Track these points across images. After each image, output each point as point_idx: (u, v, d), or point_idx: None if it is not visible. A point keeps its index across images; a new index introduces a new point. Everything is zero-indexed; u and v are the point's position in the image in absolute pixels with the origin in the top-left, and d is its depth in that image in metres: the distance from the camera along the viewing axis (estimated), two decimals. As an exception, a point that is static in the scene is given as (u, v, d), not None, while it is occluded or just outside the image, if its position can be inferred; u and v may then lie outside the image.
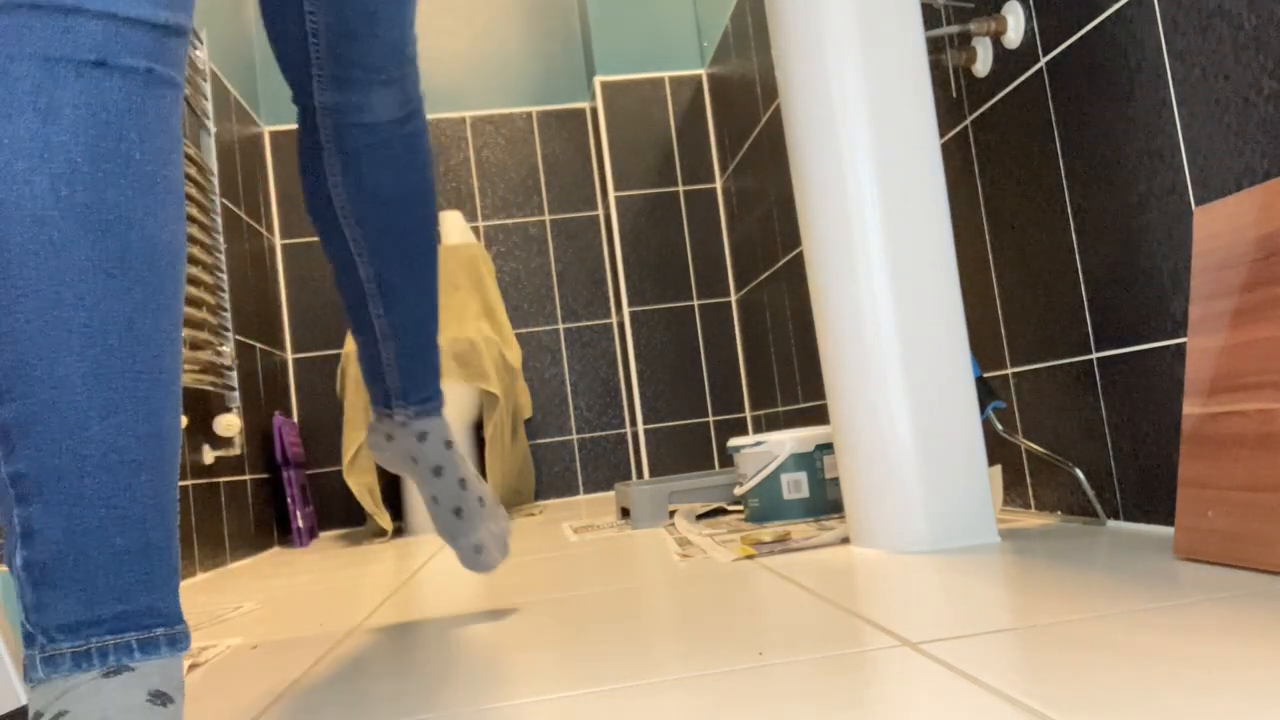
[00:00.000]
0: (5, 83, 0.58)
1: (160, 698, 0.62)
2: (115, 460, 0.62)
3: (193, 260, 2.33)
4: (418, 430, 1.22)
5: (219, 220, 2.57)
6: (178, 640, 0.65)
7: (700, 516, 2.15)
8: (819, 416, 2.61)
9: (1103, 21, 1.27)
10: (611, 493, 3.51)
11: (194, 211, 2.36)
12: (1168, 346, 1.22)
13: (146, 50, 0.62)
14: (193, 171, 2.39)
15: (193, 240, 2.34)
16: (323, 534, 3.26)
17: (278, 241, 3.39)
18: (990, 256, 1.63)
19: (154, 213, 0.64)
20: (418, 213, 1.18)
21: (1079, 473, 1.42)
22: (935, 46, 1.65)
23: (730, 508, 2.22)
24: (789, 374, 2.88)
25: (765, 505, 1.90)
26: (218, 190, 2.61)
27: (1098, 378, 1.37)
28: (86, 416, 0.61)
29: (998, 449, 1.65)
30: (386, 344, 1.20)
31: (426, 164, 1.18)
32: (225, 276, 2.56)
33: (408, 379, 1.21)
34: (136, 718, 0.60)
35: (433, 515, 1.22)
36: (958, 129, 1.68)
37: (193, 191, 2.37)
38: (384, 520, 2.79)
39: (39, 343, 0.59)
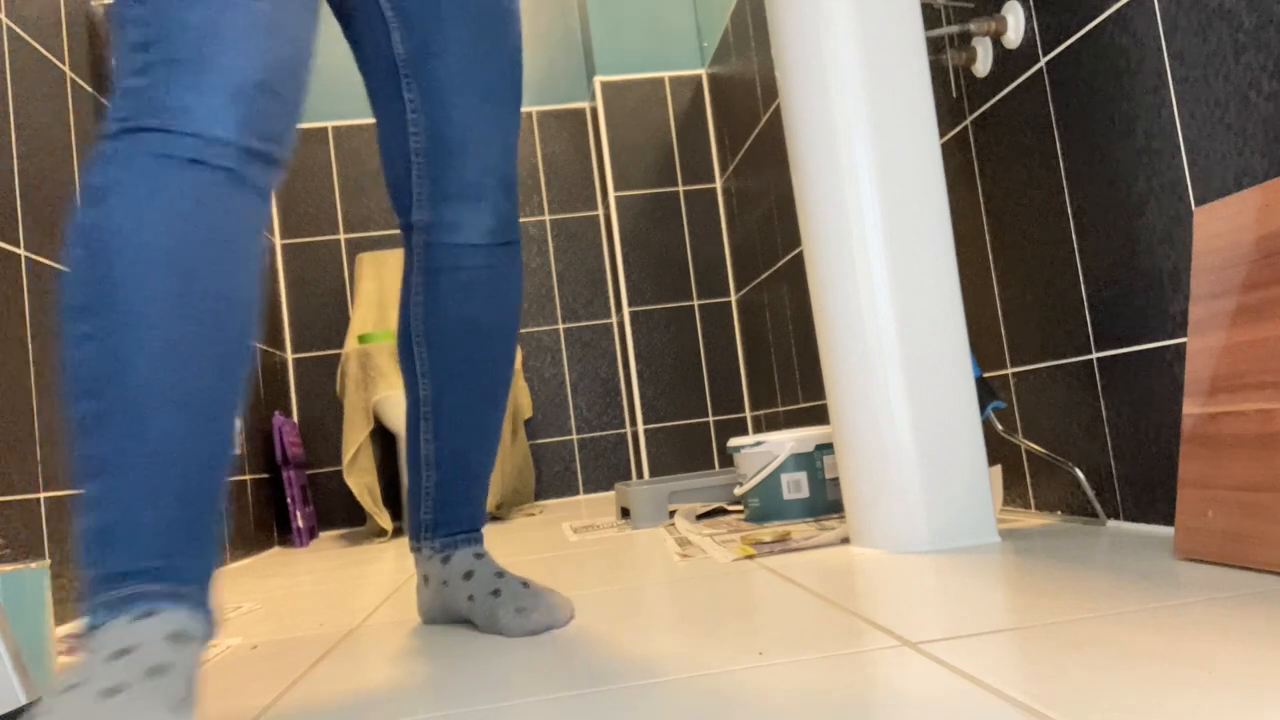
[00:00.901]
0: (128, 168, 0.79)
1: (179, 638, 0.73)
2: (169, 450, 0.76)
3: (193, 260, 2.33)
4: (443, 555, 1.18)
5: (219, 220, 2.57)
6: (204, 602, 0.78)
7: (700, 516, 2.15)
8: (819, 416, 2.61)
9: (1103, 21, 1.27)
10: (611, 493, 3.51)
11: (194, 211, 2.36)
12: (1168, 346, 1.22)
13: (231, 158, 0.82)
14: (193, 171, 2.39)
15: (193, 240, 2.33)
16: (323, 534, 3.26)
17: (278, 241, 3.40)
18: (990, 256, 1.63)
19: (230, 271, 0.81)
20: (489, 346, 1.17)
21: (1079, 473, 1.42)
22: (935, 46, 1.65)
23: (730, 508, 2.22)
24: (789, 374, 2.88)
25: (765, 505, 1.90)
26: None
27: (1098, 378, 1.37)
28: (152, 416, 0.76)
29: (998, 449, 1.65)
30: (429, 472, 1.18)
31: (509, 301, 1.17)
32: (225, 276, 2.56)
33: (440, 511, 1.18)
34: (154, 649, 0.71)
35: (473, 616, 1.12)
36: (958, 129, 1.68)
37: (193, 191, 2.37)
38: (384, 520, 2.79)
39: (125, 357, 0.76)
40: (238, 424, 0.84)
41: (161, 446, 0.76)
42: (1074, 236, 1.39)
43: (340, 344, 3.43)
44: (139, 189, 0.79)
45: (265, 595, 1.73)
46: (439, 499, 1.18)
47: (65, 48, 1.88)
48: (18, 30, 1.68)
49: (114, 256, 0.77)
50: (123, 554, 0.74)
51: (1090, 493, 1.40)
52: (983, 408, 1.44)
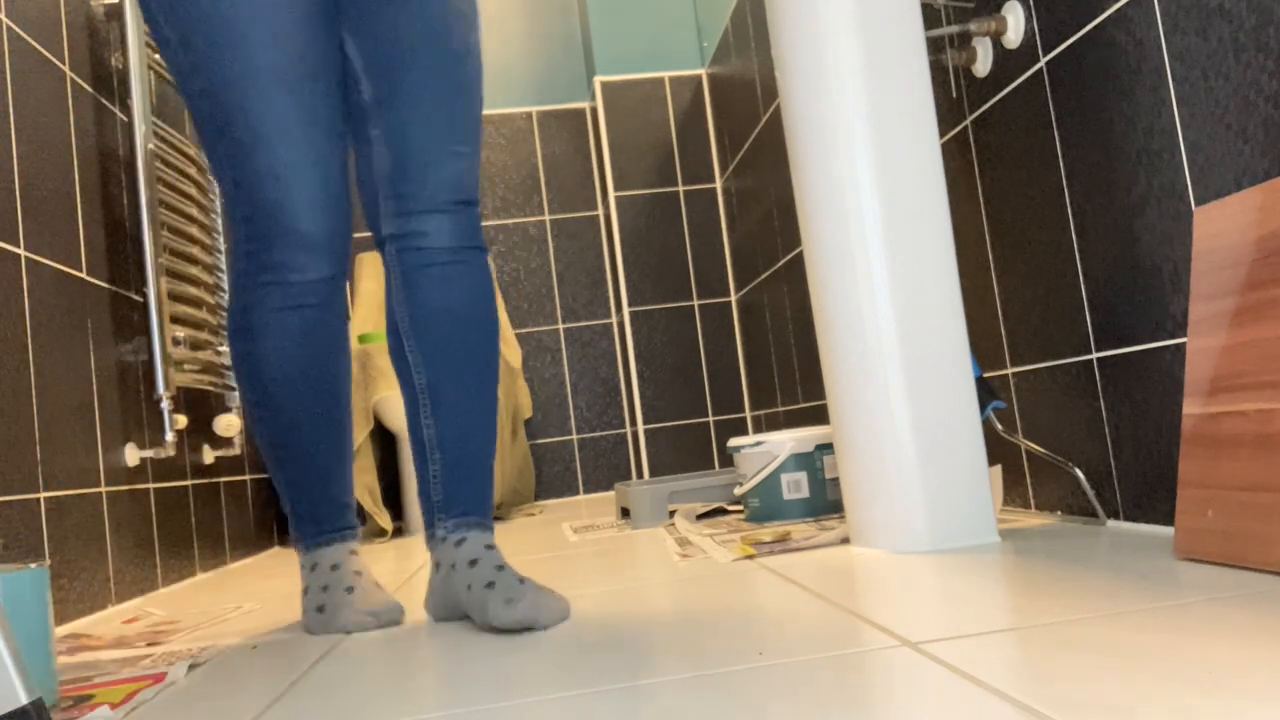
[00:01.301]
0: (261, 318, 1.27)
1: (354, 552, 1.32)
2: (321, 469, 1.32)
3: (192, 260, 2.33)
4: (456, 538, 1.23)
5: (219, 220, 2.57)
6: (350, 535, 1.34)
7: (700, 516, 2.15)
8: (819, 416, 2.61)
9: (1103, 21, 1.27)
10: (611, 493, 3.51)
11: (194, 211, 2.36)
12: (1168, 346, 1.22)
13: (320, 292, 1.30)
14: (192, 172, 2.39)
15: (192, 240, 2.34)
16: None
17: (278, 241, 3.40)
18: (990, 256, 1.63)
19: (331, 367, 1.34)
20: (469, 332, 1.28)
21: (1079, 473, 1.42)
22: (935, 46, 1.65)
23: (730, 508, 2.22)
24: (789, 374, 2.88)
25: (765, 505, 1.90)
26: (218, 190, 2.61)
27: (1098, 378, 1.37)
28: (310, 454, 1.31)
29: (998, 449, 1.65)
30: (434, 455, 1.27)
31: (482, 293, 1.30)
32: (225, 276, 2.56)
33: (450, 489, 1.25)
34: (344, 555, 1.31)
35: (469, 607, 1.15)
36: (958, 129, 1.68)
37: (192, 191, 2.37)
38: (384, 520, 2.79)
39: (285, 428, 1.30)
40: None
41: (318, 469, 1.32)
42: (1074, 236, 1.39)
43: (340, 344, 3.43)
44: (270, 330, 1.27)
45: (265, 595, 1.73)
46: (447, 479, 1.26)
47: (65, 48, 1.88)
48: (18, 30, 1.68)
49: (264, 375, 1.28)
50: (312, 522, 1.31)
51: (1090, 493, 1.40)
52: (983, 408, 1.44)
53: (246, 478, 2.67)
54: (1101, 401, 1.37)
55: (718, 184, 3.51)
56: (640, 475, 3.40)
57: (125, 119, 2.13)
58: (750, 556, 1.45)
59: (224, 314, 2.53)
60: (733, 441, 1.99)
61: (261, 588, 1.87)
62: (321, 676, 0.99)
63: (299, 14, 1.24)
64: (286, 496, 1.32)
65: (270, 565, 2.35)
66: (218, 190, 1.32)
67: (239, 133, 1.22)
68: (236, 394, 2.55)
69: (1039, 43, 1.42)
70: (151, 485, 2.02)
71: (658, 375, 3.40)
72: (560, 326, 3.57)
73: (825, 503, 1.89)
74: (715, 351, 3.45)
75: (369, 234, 3.41)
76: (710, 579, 1.30)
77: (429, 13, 1.30)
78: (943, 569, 1.15)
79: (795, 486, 1.89)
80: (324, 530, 1.31)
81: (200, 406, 2.35)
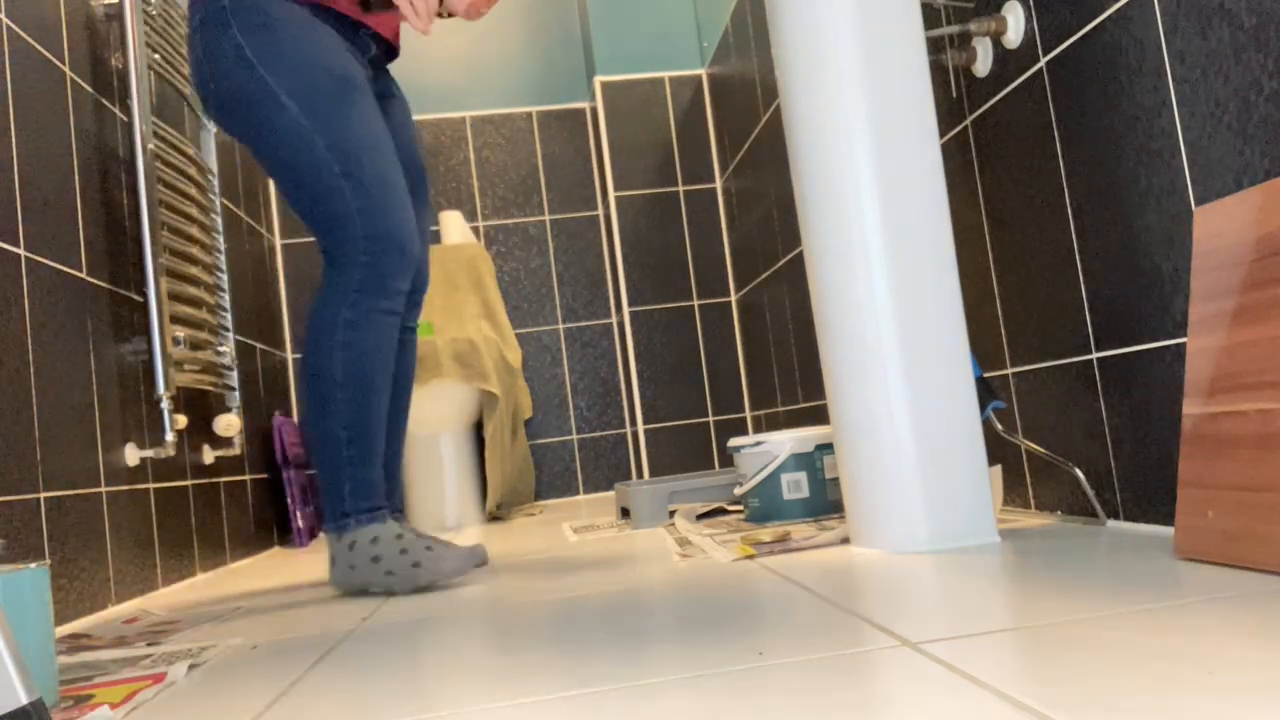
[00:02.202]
0: (366, 317, 1.57)
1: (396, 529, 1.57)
2: (379, 444, 1.58)
3: (192, 260, 2.33)
4: (395, 514, 1.66)
5: (219, 220, 2.57)
6: (391, 511, 1.61)
7: (700, 516, 2.15)
8: (819, 416, 2.61)
9: (1103, 21, 1.27)
10: (611, 493, 3.51)
11: (194, 211, 2.36)
12: (1168, 346, 1.22)
13: (402, 305, 1.61)
14: (192, 171, 2.39)
15: (192, 240, 2.34)
16: (322, 534, 3.26)
17: (278, 241, 3.40)
18: (990, 256, 1.63)
19: (394, 361, 1.62)
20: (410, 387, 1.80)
21: (1079, 473, 1.42)
22: (935, 46, 1.65)
23: (730, 508, 2.22)
24: (789, 374, 2.88)
25: (765, 505, 1.90)
26: (218, 190, 2.61)
27: (1098, 378, 1.37)
28: (376, 435, 1.58)
29: (998, 449, 1.65)
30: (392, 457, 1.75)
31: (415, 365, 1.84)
32: (225, 276, 2.56)
33: (393, 488, 1.74)
34: (385, 530, 1.55)
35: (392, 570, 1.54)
36: (958, 129, 1.68)
37: (192, 191, 2.37)
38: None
39: (365, 410, 1.57)
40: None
41: (377, 447, 1.58)
42: (1074, 236, 1.39)
43: (340, 344, 3.43)
44: (373, 327, 1.56)
45: (265, 595, 1.73)
46: (393, 481, 1.75)
47: (65, 48, 1.88)
48: (18, 30, 1.68)
49: (361, 365, 1.56)
50: (365, 499, 1.56)
51: (1090, 493, 1.40)
52: (983, 408, 1.44)
53: (246, 478, 2.67)
54: (1101, 401, 1.37)
55: (718, 184, 3.51)
56: (640, 475, 3.40)
57: (125, 119, 2.13)
58: (750, 556, 1.45)
59: (224, 314, 2.53)
60: (733, 441, 1.99)
61: (261, 588, 1.87)
62: (321, 676, 0.99)
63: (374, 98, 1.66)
64: (346, 476, 1.55)
65: (270, 565, 2.35)
66: (311, 217, 1.58)
67: (367, 176, 1.55)
68: (237, 394, 2.55)
69: (1039, 43, 1.42)
70: (151, 485, 2.02)
71: (658, 375, 3.40)
72: (560, 326, 3.57)
73: (825, 503, 1.89)
74: (715, 351, 3.45)
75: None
76: (710, 579, 1.30)
77: (414, 136, 1.80)
78: (943, 569, 1.15)
79: (795, 486, 1.89)
80: (377, 505, 1.57)
81: (200, 406, 2.35)
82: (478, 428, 3.17)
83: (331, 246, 1.57)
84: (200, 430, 2.34)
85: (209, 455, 2.35)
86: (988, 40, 1.55)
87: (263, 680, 1.00)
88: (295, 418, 3.34)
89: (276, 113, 1.54)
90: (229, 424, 2.39)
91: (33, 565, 1.00)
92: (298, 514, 2.83)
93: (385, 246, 1.55)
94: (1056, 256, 1.44)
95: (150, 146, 2.09)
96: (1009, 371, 1.60)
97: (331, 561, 1.58)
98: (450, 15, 1.73)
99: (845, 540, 1.48)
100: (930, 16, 1.69)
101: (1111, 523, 1.37)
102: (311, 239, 3.42)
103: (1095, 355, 1.37)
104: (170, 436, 2.05)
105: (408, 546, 1.52)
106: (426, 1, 1.55)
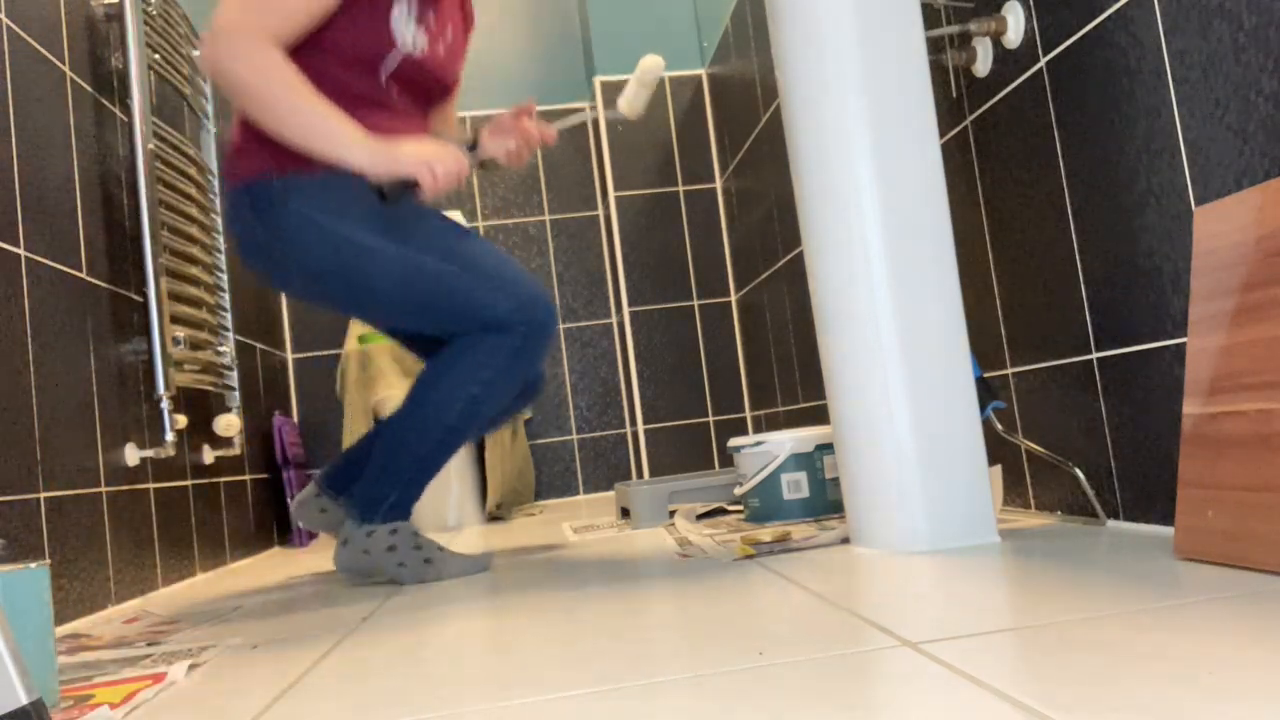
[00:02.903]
0: (459, 363, 1.62)
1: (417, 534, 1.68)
2: (432, 479, 1.68)
3: (192, 260, 2.33)
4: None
5: (219, 220, 2.57)
6: (403, 514, 1.67)
7: (700, 516, 2.15)
8: (819, 416, 2.61)
9: (1103, 21, 1.27)
10: (611, 493, 3.51)
11: (194, 211, 2.36)
12: (1168, 346, 1.22)
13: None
14: (192, 172, 2.39)
15: (192, 240, 2.34)
16: (322, 534, 3.26)
17: (278, 241, 3.39)
18: (990, 256, 1.63)
19: (483, 429, 1.74)
20: None
21: (1079, 473, 1.42)
22: (935, 46, 1.65)
23: (730, 508, 2.22)
24: (789, 374, 2.87)
25: (765, 505, 1.90)
26: (218, 190, 2.61)
27: (1098, 378, 1.37)
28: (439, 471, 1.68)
29: (998, 449, 1.65)
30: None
31: None
32: (225, 276, 2.56)
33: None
34: (405, 526, 1.65)
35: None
36: (958, 129, 1.68)
37: (192, 191, 2.37)
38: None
39: (442, 452, 1.65)
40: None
41: (431, 480, 1.68)
42: (1074, 236, 1.39)
43: (340, 344, 3.43)
44: (498, 398, 1.63)
45: (265, 595, 1.73)
46: None
47: (65, 48, 1.88)
48: (18, 30, 1.69)
49: (474, 421, 1.64)
50: (409, 503, 1.66)
51: (1090, 493, 1.40)
52: (983, 408, 1.44)
53: (246, 478, 2.67)
54: (1101, 401, 1.37)
55: (718, 184, 3.51)
56: (640, 475, 3.40)
57: (125, 119, 2.13)
58: (750, 556, 1.45)
59: (224, 314, 2.53)
60: (733, 441, 1.99)
61: (261, 588, 1.87)
62: (321, 676, 0.99)
63: None
64: (397, 487, 1.63)
65: (270, 565, 2.35)
66: (452, 322, 1.64)
67: (483, 263, 1.61)
68: (236, 394, 2.55)
69: (1039, 43, 1.42)
70: (151, 485, 2.02)
71: (658, 375, 3.40)
72: (560, 326, 3.57)
73: (825, 503, 1.89)
74: (715, 351, 3.45)
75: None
76: (710, 579, 1.30)
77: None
78: (943, 569, 1.15)
79: (795, 486, 1.89)
80: (410, 512, 1.66)
81: (200, 406, 2.35)
82: (478, 428, 3.17)
83: (483, 328, 1.60)
84: (200, 430, 2.34)
85: (209, 455, 2.35)
86: (988, 40, 1.55)
87: (263, 680, 1.00)
88: (295, 418, 3.34)
89: (374, 259, 1.56)
90: (229, 424, 2.39)
91: (33, 565, 1.00)
92: (298, 514, 2.83)
93: (533, 310, 1.60)
94: (1056, 256, 1.44)
95: (150, 146, 2.09)
96: (1009, 371, 1.60)
97: (342, 543, 1.63)
98: (485, 166, 1.79)
99: (845, 540, 1.48)
100: (930, 16, 1.69)
101: (1111, 523, 1.37)
102: (311, 239, 3.42)
103: (1095, 355, 1.37)
104: (170, 436, 2.05)
105: (423, 544, 1.63)
106: (449, 175, 1.53)
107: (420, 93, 1.70)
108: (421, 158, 1.50)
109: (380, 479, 1.63)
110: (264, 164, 1.58)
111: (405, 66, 1.64)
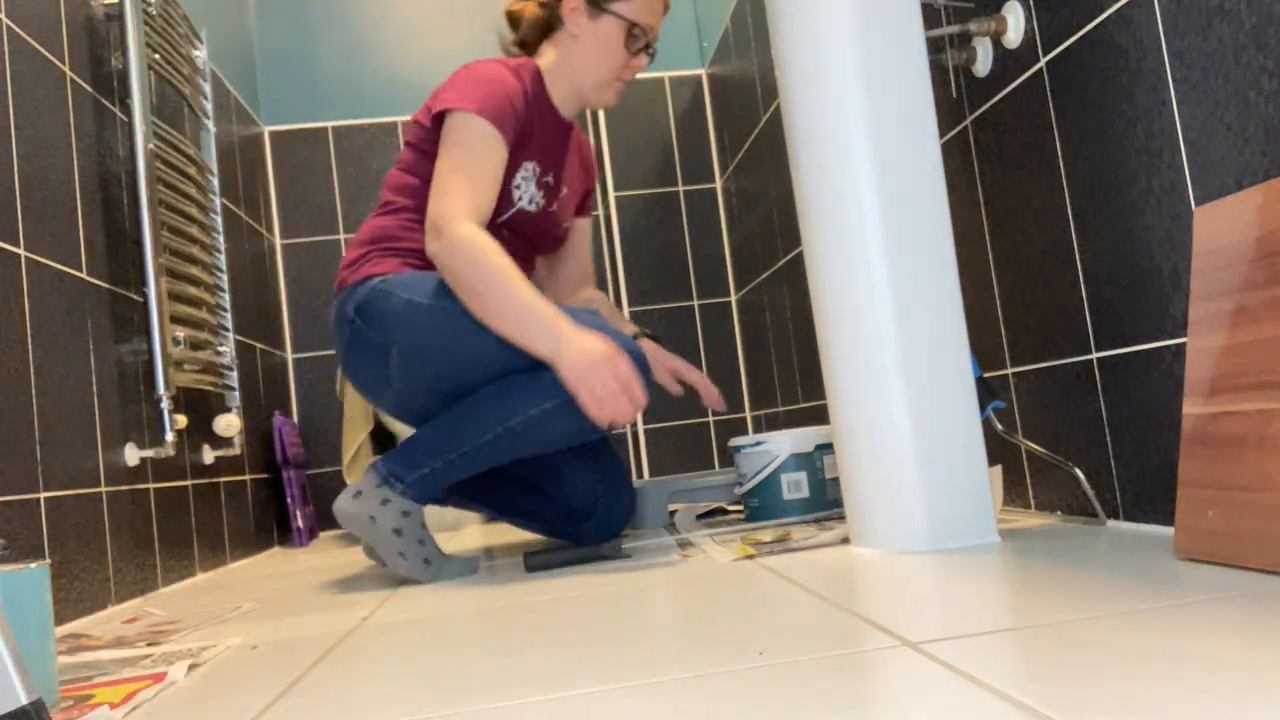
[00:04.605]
0: (528, 385, 1.61)
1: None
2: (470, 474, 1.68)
3: (192, 260, 2.33)
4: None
5: (219, 220, 2.57)
6: (421, 504, 1.66)
7: (700, 516, 2.15)
8: (819, 416, 2.61)
9: (1103, 21, 1.27)
10: (611, 493, 3.51)
11: (194, 211, 2.36)
12: (1168, 346, 1.22)
13: None
14: (192, 171, 2.39)
15: (192, 240, 2.34)
16: (322, 534, 3.26)
17: (278, 241, 3.39)
18: (990, 256, 1.63)
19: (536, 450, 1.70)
20: None
21: (1079, 473, 1.42)
22: (935, 46, 1.65)
23: (730, 508, 2.22)
24: (789, 374, 2.88)
25: (765, 505, 1.90)
26: (218, 190, 2.61)
27: (1098, 378, 1.37)
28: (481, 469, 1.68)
29: (998, 449, 1.65)
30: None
31: None
32: (225, 276, 2.56)
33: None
34: (417, 514, 1.64)
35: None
36: (958, 129, 1.68)
37: (192, 191, 2.37)
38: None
39: (491, 454, 1.65)
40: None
41: (469, 475, 1.68)
42: (1074, 236, 1.39)
43: (340, 344, 3.42)
44: (556, 425, 1.62)
45: (265, 595, 1.73)
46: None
47: (65, 48, 1.88)
48: (18, 30, 1.69)
49: (527, 441, 1.64)
50: (430, 492, 1.64)
51: (1090, 493, 1.40)
52: (983, 408, 1.44)
53: (246, 478, 2.67)
54: (1101, 401, 1.37)
55: (718, 184, 3.51)
56: (640, 475, 3.40)
57: (125, 119, 2.13)
58: (750, 556, 1.45)
59: (224, 314, 2.54)
60: (733, 441, 1.99)
61: (261, 588, 1.87)
62: (321, 676, 0.99)
63: None
64: (434, 462, 1.62)
65: (270, 565, 2.35)
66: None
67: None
68: (236, 394, 2.55)
69: (1039, 43, 1.42)
70: (151, 485, 2.02)
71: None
72: (560, 326, 3.57)
73: (825, 503, 1.89)
74: (715, 351, 3.45)
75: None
76: (710, 579, 1.30)
77: None
78: (943, 569, 1.15)
79: (795, 486, 1.89)
80: (429, 499, 1.66)
81: (200, 406, 2.35)
82: (478, 428, 3.17)
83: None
84: (200, 430, 2.34)
85: (209, 455, 2.35)
86: (988, 40, 1.55)
87: (263, 680, 1.00)
88: (295, 418, 3.34)
89: (462, 320, 1.60)
90: (229, 424, 2.39)
91: (33, 565, 1.00)
92: (298, 514, 2.83)
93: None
94: (1056, 256, 1.44)
95: (150, 146, 2.09)
96: (1009, 371, 1.60)
97: (356, 493, 1.62)
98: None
99: (845, 540, 1.48)
100: (930, 16, 1.69)
101: (1111, 523, 1.37)
102: (311, 239, 3.42)
103: (1095, 355, 1.37)
104: (170, 436, 2.05)
105: (426, 541, 1.63)
106: (620, 412, 1.52)
107: (529, 242, 1.84)
108: (600, 364, 1.50)
109: (425, 448, 1.63)
110: (369, 274, 1.71)
111: (518, 218, 1.77)
